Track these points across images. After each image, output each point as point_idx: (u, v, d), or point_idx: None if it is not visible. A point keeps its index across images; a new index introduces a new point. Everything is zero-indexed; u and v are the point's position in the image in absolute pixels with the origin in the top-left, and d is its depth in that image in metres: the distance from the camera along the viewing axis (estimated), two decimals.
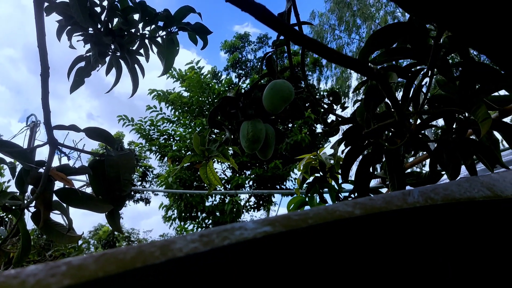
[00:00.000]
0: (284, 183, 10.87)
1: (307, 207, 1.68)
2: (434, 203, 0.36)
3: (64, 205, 1.08)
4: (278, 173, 10.19)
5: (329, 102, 1.50)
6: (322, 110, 1.47)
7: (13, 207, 1.18)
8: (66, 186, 1.04)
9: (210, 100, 11.13)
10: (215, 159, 1.68)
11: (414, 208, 0.34)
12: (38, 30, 0.86)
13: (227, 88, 11.35)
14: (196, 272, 0.23)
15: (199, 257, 0.23)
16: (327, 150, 1.62)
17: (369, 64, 0.81)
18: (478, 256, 0.40)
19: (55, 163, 1.13)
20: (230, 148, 1.66)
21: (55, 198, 1.07)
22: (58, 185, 1.10)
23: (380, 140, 0.97)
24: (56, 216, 1.16)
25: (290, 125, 10.73)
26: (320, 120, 1.47)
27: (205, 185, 1.68)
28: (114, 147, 0.99)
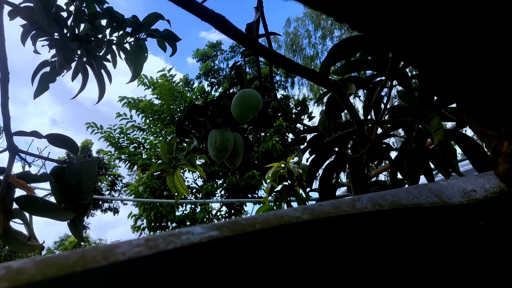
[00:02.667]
0: (257, 192, 10.88)
1: None
2: (381, 209, 0.37)
3: (25, 213, 1.05)
4: (252, 182, 10.19)
5: (297, 111, 1.52)
6: (290, 120, 1.49)
7: None
8: (27, 194, 1.01)
9: (181, 108, 11.05)
10: (184, 168, 1.67)
11: (361, 213, 0.36)
12: None
13: (199, 96, 11.31)
14: (139, 277, 0.23)
15: (143, 261, 0.23)
16: (296, 159, 1.64)
17: (332, 74, 0.83)
18: (427, 262, 0.42)
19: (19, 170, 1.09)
20: (201, 157, 1.66)
21: (15, 206, 1.03)
22: (20, 192, 1.07)
23: (343, 149, 0.99)
24: (18, 225, 1.12)
25: (262, 133, 10.78)
26: (287, 130, 1.49)
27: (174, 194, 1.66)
28: (77, 154, 0.97)
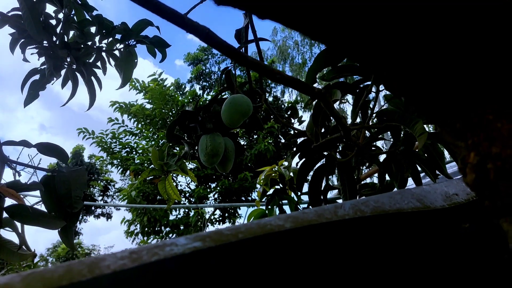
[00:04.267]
0: (251, 195, 10.88)
1: None
2: (363, 215, 0.38)
3: (16, 222, 1.04)
4: (245, 185, 10.19)
5: (287, 116, 1.54)
6: (280, 124, 1.50)
7: None
8: (17, 203, 1.01)
9: (173, 112, 11.03)
10: (176, 174, 1.67)
11: (343, 220, 0.37)
12: None
13: (191, 100, 11.30)
14: None
15: (127, 274, 0.24)
16: (286, 163, 1.65)
17: (320, 81, 0.84)
18: (410, 266, 0.43)
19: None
20: (193, 161, 1.66)
21: (5, 215, 1.03)
22: (11, 201, 1.07)
23: (332, 153, 1.00)
24: (9, 234, 1.12)
25: (255, 135, 10.80)
26: (278, 133, 1.50)
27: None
28: (67, 162, 0.97)
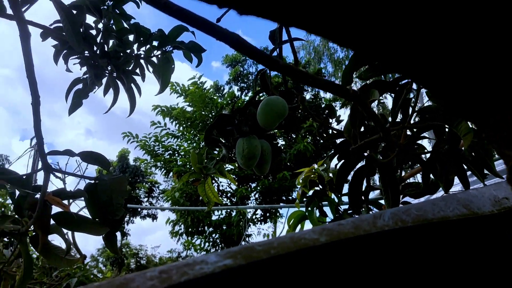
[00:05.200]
0: (291, 194, 10.85)
1: (307, 221, 1.68)
2: (404, 225, 0.36)
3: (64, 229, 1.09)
4: (285, 184, 10.17)
5: (324, 116, 1.51)
6: (317, 124, 1.47)
7: (14, 231, 1.19)
8: (63, 210, 1.05)
9: (213, 113, 11.19)
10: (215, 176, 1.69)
11: (383, 232, 0.35)
12: (26, 63, 0.88)
13: (229, 102, 11.41)
14: None
15: None
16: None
17: (354, 80, 0.81)
18: (458, 279, 0.40)
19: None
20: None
21: (53, 222, 1.08)
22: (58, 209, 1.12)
23: (372, 154, 0.97)
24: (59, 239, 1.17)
25: (293, 135, 10.74)
26: (316, 134, 1.48)
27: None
28: (108, 169, 1.00)
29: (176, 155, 11.41)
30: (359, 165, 1.05)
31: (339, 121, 1.45)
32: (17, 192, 1.17)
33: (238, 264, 0.27)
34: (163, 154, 11.43)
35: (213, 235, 10.74)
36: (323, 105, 11.86)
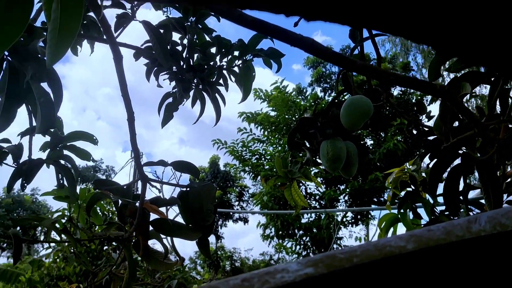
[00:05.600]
0: (382, 195, 10.43)
1: (400, 224, 1.60)
2: (504, 230, 0.33)
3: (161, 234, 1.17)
4: (377, 185, 9.80)
5: (413, 112, 1.43)
6: (406, 122, 1.40)
7: (119, 237, 1.30)
8: (160, 217, 1.12)
9: (296, 117, 11.21)
10: (300, 180, 1.69)
11: (479, 237, 0.32)
12: (120, 82, 0.97)
13: (312, 104, 11.34)
14: None
15: None
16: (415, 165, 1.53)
17: (443, 73, 0.76)
18: None
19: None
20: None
21: (151, 228, 1.16)
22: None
23: (468, 151, 0.90)
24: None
25: (382, 133, 10.33)
26: (406, 132, 1.41)
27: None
28: (198, 177, 1.05)
29: (263, 159, 11.63)
30: (454, 163, 0.98)
31: (429, 117, 1.36)
32: (120, 201, 1.28)
33: (320, 273, 0.27)
34: (250, 159, 11.72)
35: (304, 238, 10.72)
36: (413, 100, 11.23)
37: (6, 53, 1.03)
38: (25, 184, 1.51)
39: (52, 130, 1.39)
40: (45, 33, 1.04)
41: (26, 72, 1.04)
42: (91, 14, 1.39)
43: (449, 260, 0.31)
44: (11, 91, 1.08)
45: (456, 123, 0.98)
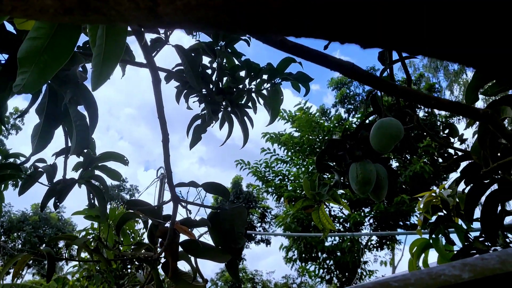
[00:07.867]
0: (409, 219, 10.18)
1: (432, 250, 1.56)
2: None
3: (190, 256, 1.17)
4: (403, 208, 9.59)
5: (444, 135, 1.41)
6: (437, 144, 1.38)
7: (148, 258, 1.31)
8: (190, 238, 1.13)
9: (320, 138, 11.17)
10: (329, 203, 1.67)
11: None
12: (157, 104, 1.00)
13: (336, 125, 11.28)
14: None
15: None
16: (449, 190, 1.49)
17: (480, 97, 0.75)
18: None
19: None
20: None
21: (181, 249, 1.17)
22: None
23: (506, 176, 0.88)
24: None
25: (408, 155, 10.14)
26: (436, 154, 1.38)
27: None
28: (228, 199, 1.05)
29: (286, 180, 11.56)
30: (491, 188, 0.95)
31: (462, 141, 1.34)
32: (149, 221, 1.29)
33: None
34: (273, 179, 11.67)
35: (327, 261, 10.50)
36: (438, 123, 11.03)
37: None
38: (58, 203, 1.55)
39: (85, 151, 1.43)
40: (83, 59, 1.08)
41: (64, 95, 1.09)
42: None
43: None
44: (50, 113, 1.13)
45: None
